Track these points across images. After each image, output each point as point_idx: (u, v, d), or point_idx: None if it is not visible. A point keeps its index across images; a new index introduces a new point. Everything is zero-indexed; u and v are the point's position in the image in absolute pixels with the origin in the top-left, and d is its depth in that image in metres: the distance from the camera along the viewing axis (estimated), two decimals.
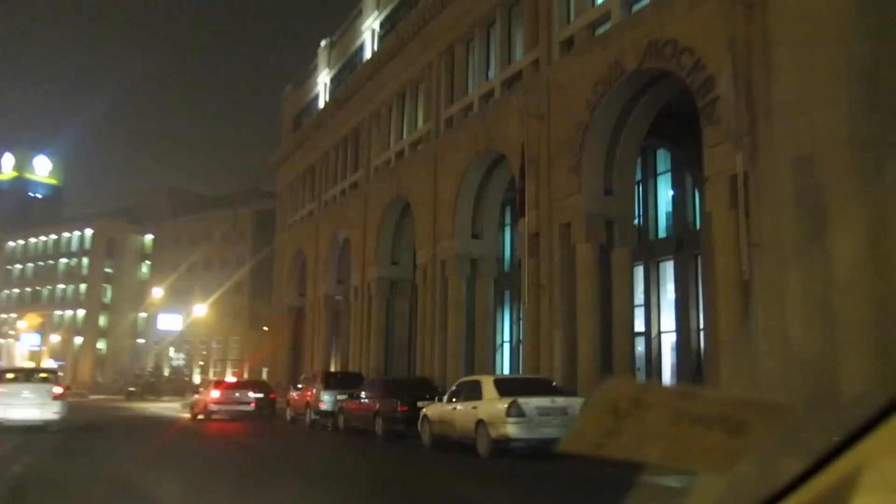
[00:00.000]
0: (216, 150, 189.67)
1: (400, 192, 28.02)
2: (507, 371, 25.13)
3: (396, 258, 29.22)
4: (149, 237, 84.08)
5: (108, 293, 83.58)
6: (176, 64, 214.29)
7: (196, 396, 26.13)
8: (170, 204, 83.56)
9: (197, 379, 73.78)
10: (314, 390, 20.68)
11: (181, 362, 62.84)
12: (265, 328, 47.60)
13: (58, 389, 16.35)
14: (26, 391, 16.05)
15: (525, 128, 19.29)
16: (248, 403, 23.34)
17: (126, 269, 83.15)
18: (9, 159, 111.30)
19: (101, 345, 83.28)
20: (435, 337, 23.75)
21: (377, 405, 16.73)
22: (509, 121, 20.79)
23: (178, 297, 69.28)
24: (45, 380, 17.00)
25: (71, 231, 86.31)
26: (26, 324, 79.10)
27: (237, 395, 23.51)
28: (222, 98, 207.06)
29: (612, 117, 17.75)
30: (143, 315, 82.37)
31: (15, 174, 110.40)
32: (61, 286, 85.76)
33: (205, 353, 74.41)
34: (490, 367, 22.99)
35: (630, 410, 1.09)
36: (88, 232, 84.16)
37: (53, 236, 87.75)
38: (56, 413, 15.90)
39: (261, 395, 24.27)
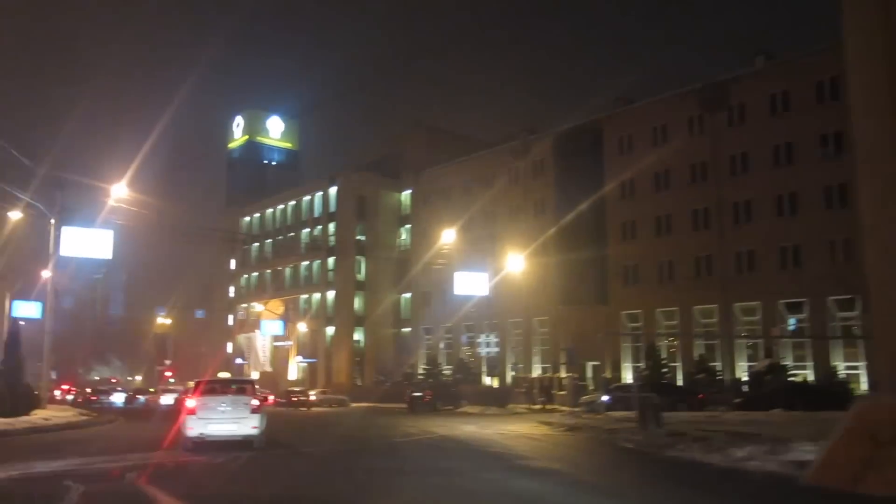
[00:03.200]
0: (469, 95, 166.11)
1: None
2: None
3: None
4: (406, 193, 63.82)
5: (362, 268, 64.32)
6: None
7: None
8: (429, 149, 62.75)
9: (487, 380, 51.90)
10: None
11: (493, 350, 40.46)
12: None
13: (255, 402, 15.04)
14: (223, 404, 14.87)
15: None
16: None
17: (381, 235, 63.56)
18: (239, 123, 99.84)
19: (357, 335, 64.14)
20: None
21: None
22: None
23: (453, 266, 47.40)
24: (241, 391, 15.72)
25: (311, 192, 68.55)
26: (264, 310, 61.70)
27: None
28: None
29: None
30: (406, 296, 62.25)
31: (246, 138, 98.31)
32: (305, 263, 68.20)
33: (494, 341, 51.78)
34: None
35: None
36: (333, 191, 65.68)
37: (292, 202, 70.65)
38: (255, 428, 14.65)
39: None
